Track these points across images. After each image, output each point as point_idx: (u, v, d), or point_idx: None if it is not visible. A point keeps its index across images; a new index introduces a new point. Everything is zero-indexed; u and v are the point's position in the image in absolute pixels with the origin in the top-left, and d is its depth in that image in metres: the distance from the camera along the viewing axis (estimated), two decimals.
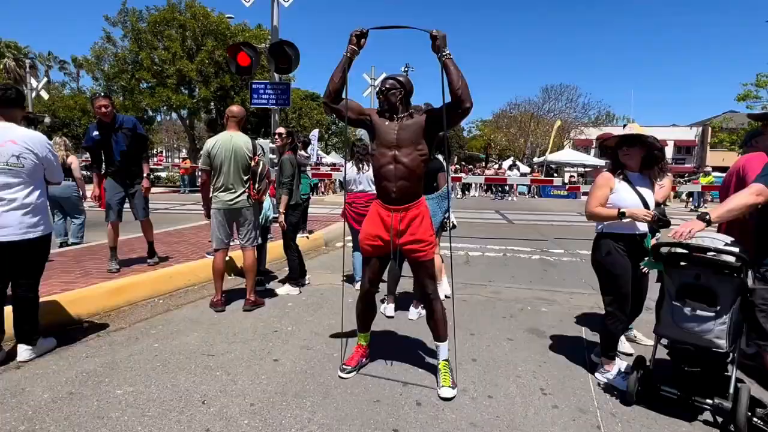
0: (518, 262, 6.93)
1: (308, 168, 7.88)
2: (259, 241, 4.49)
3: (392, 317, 4.21)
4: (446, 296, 4.48)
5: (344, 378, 2.94)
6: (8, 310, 3.14)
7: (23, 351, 3.09)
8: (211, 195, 4.34)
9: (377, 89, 2.84)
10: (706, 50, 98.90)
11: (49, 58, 44.51)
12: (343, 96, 2.79)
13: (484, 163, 42.05)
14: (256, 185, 4.21)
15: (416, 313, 4.23)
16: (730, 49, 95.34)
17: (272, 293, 4.87)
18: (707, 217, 2.17)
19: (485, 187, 25.00)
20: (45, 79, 24.72)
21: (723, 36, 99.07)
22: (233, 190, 4.18)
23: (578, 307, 4.64)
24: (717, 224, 2.68)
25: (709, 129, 37.33)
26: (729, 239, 2.48)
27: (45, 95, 24.51)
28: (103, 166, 5.10)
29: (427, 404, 2.65)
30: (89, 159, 5.50)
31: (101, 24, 26.68)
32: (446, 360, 2.90)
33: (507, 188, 22.05)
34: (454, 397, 2.70)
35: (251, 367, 3.08)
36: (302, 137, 6.01)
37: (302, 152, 7.09)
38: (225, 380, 2.88)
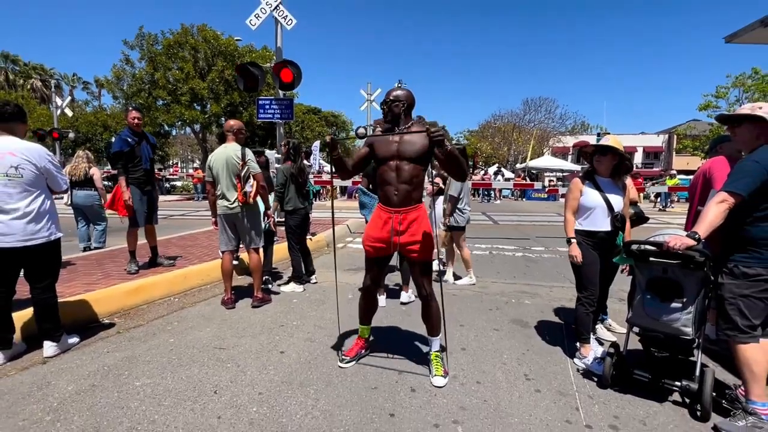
0: (503, 259, 6.92)
1: (311, 176, 7.93)
2: (262, 243, 4.44)
3: (406, 303, 4.44)
4: (471, 284, 5.22)
5: (343, 368, 2.92)
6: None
7: (48, 347, 3.05)
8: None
9: (383, 99, 2.84)
10: (672, 65, 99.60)
11: (73, 79, 44.42)
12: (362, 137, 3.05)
13: (471, 169, 42.05)
14: (242, 188, 4.17)
15: (407, 296, 4.51)
16: (694, 63, 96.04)
17: (278, 291, 4.85)
18: (696, 236, 2.18)
19: (472, 192, 24.98)
20: (69, 98, 24.71)
21: (687, 52, 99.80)
22: (228, 196, 4.17)
23: (558, 299, 4.64)
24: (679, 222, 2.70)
25: (675, 136, 37.56)
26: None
27: (69, 112, 24.40)
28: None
29: (420, 390, 2.64)
30: (110, 170, 5.49)
31: (120, 47, 26.66)
32: (438, 351, 2.89)
33: (492, 192, 22.10)
34: (445, 385, 2.69)
35: (259, 358, 3.06)
36: (304, 148, 5.99)
37: (305, 161, 7.08)
38: (235, 371, 2.85)
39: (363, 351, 3.11)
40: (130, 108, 5.21)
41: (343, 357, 3.01)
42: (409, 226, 2.73)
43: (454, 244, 5.44)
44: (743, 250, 2.25)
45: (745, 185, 2.15)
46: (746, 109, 2.35)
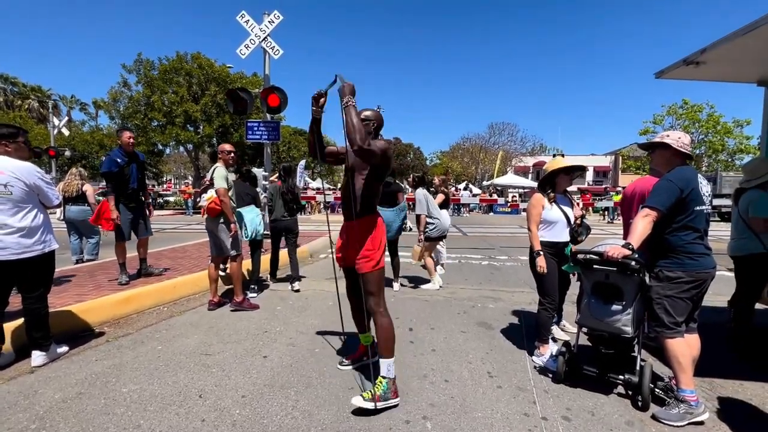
0: (471, 267, 7.00)
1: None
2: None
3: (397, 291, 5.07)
4: (439, 288, 5.34)
5: (340, 369, 2.87)
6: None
7: (37, 357, 2.90)
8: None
9: None
10: (616, 94, 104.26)
11: (72, 101, 42.91)
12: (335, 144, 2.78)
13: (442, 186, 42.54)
14: (199, 199, 4.30)
15: (397, 285, 5.17)
16: (635, 93, 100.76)
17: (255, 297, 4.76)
18: (630, 246, 2.27)
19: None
20: (66, 118, 23.88)
21: (629, 83, 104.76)
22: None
23: (518, 303, 4.71)
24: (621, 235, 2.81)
25: (620, 157, 39.12)
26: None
27: (66, 132, 23.57)
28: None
29: None
30: (105, 186, 5.31)
31: (118, 70, 25.97)
32: (384, 377, 2.41)
33: (461, 206, 22.40)
34: (363, 408, 2.29)
35: (243, 363, 2.98)
36: (292, 165, 6.07)
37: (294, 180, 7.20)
38: (220, 376, 2.77)
39: (365, 358, 2.92)
40: (126, 128, 5.10)
41: (344, 360, 2.94)
42: (354, 239, 2.55)
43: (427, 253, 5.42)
44: (665, 257, 2.37)
45: (663, 201, 2.27)
46: (657, 137, 2.50)
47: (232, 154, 4.36)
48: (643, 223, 2.27)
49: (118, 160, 4.73)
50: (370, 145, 2.32)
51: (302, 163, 22.48)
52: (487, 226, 15.30)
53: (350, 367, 2.91)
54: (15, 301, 3.12)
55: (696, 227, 2.31)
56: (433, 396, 2.54)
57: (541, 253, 3.03)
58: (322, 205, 21.14)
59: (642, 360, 2.57)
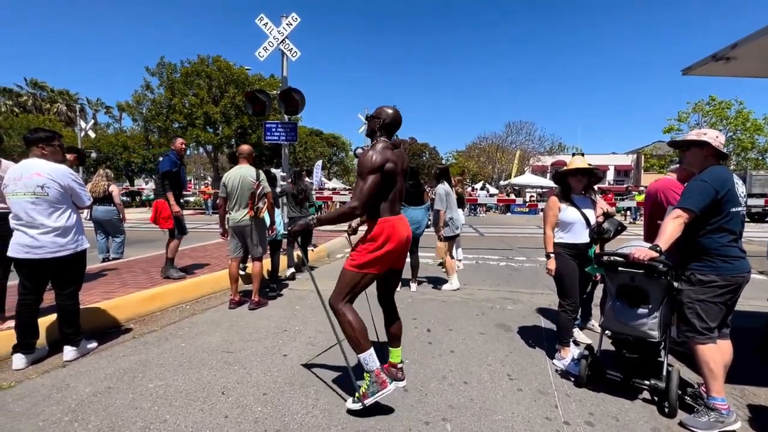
0: (488, 268, 6.93)
1: (313, 192, 8.10)
2: (265, 252, 4.52)
3: (414, 291, 5.17)
4: (456, 289, 5.30)
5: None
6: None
7: (68, 351, 3.02)
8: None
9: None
10: (640, 91, 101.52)
11: (97, 104, 44.40)
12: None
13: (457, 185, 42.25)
14: (255, 204, 4.30)
15: (415, 286, 5.26)
16: (658, 90, 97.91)
17: (281, 295, 4.83)
18: (658, 248, 2.22)
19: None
20: (92, 121, 24.59)
21: (653, 80, 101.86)
22: (239, 211, 4.31)
23: (538, 305, 4.64)
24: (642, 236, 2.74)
25: (642, 156, 38.08)
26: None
27: (92, 134, 24.37)
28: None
29: (413, 390, 2.62)
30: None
31: (142, 74, 26.73)
32: (366, 372, 2.34)
33: (477, 206, 22.19)
34: (353, 410, 2.30)
35: (264, 361, 3.03)
36: (305, 168, 6.53)
37: (307, 179, 7.53)
38: (241, 373, 2.83)
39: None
40: (179, 135, 5.63)
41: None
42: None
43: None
44: (698, 260, 2.29)
45: (696, 202, 2.20)
46: (693, 134, 2.41)
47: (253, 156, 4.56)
48: (674, 224, 2.21)
49: (177, 161, 5.06)
50: (361, 204, 2.28)
51: (319, 163, 22.68)
52: (505, 227, 15.13)
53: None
54: (48, 297, 3.25)
55: (731, 229, 2.23)
56: (452, 397, 2.53)
57: (552, 255, 3.02)
58: (337, 205, 21.32)
59: (668, 365, 2.50)
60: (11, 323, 3.09)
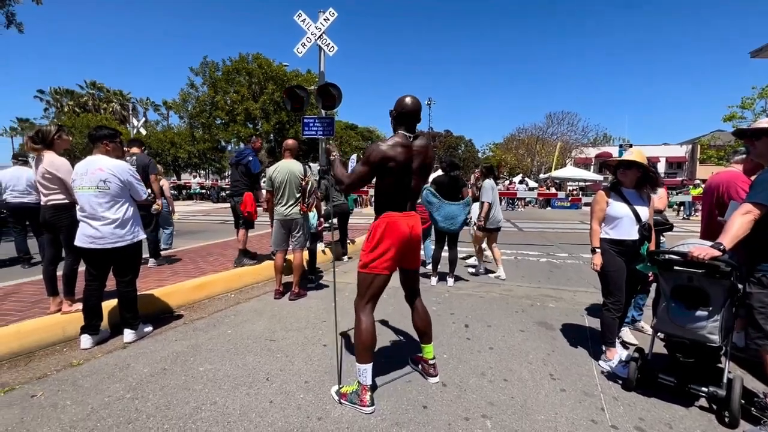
0: (528, 264, 6.74)
1: None
2: (309, 245, 4.67)
3: (451, 286, 5.18)
4: (502, 279, 5.58)
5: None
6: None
7: (128, 334, 3.26)
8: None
9: None
10: (695, 77, 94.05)
11: (147, 102, 47.20)
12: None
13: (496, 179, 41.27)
14: (306, 200, 4.41)
15: (452, 281, 5.24)
16: (717, 75, 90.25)
17: (320, 287, 4.95)
18: (722, 247, 2.07)
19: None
20: (143, 119, 26.19)
21: (710, 65, 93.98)
22: (288, 205, 4.42)
23: (582, 303, 4.47)
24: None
25: (698, 146, 35.37)
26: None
27: (143, 131, 25.96)
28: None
29: (451, 385, 2.61)
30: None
31: (187, 74, 28.08)
32: (358, 382, 2.34)
33: (515, 201, 21.56)
34: (332, 396, 2.42)
35: (305, 350, 3.13)
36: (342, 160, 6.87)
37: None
38: (284, 361, 2.93)
39: (420, 367, 2.80)
40: (256, 135, 6.26)
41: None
42: None
43: (483, 244, 5.99)
44: None
45: None
46: (765, 122, 2.21)
47: None
48: (742, 221, 2.04)
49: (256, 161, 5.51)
50: (346, 184, 2.40)
51: (353, 157, 22.86)
52: (545, 222, 14.61)
53: (409, 365, 2.90)
54: (108, 284, 3.51)
55: None
56: (492, 395, 2.50)
57: (598, 250, 2.89)
58: (372, 199, 21.49)
59: (729, 372, 2.33)
60: (79, 306, 3.38)
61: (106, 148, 3.17)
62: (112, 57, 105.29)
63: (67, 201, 3.35)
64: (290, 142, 4.64)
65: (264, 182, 4.67)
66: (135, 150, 5.39)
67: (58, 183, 3.33)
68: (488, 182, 5.53)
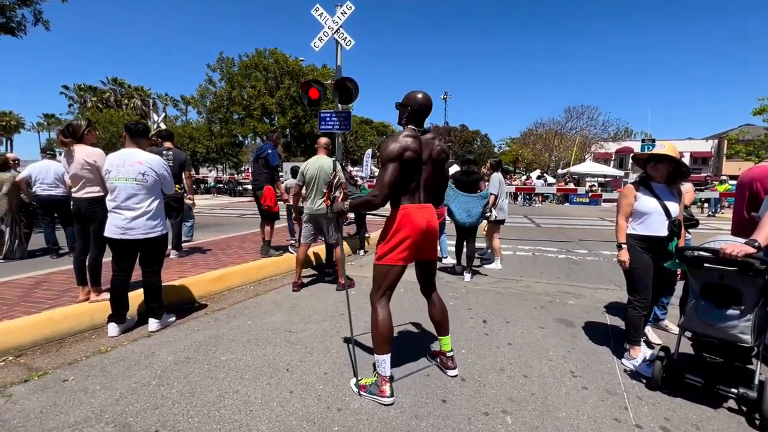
0: (546, 261, 6.64)
1: (362, 180, 8.38)
2: (339, 238, 4.71)
3: (468, 281, 5.18)
4: (498, 269, 5.84)
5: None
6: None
7: (152, 323, 3.35)
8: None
9: None
10: (721, 71, 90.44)
11: (166, 98, 48.12)
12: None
13: (511, 174, 40.76)
14: (332, 194, 4.42)
15: (469, 276, 5.24)
16: (745, 69, 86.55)
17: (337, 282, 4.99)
18: (756, 243, 1.99)
19: (514, 195, 24.17)
20: (163, 114, 26.67)
21: (737, 58, 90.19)
22: (316, 200, 4.51)
23: (602, 301, 4.38)
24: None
25: (725, 141, 34.09)
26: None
27: (163, 126, 26.50)
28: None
29: (470, 380, 2.60)
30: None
31: (204, 70, 28.51)
32: (376, 373, 2.39)
33: (532, 196, 21.21)
34: (351, 388, 2.45)
35: (324, 342, 3.16)
36: (355, 156, 7.05)
37: (352, 169, 8.20)
38: (303, 352, 2.97)
39: (438, 360, 2.83)
40: (275, 131, 6.47)
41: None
42: None
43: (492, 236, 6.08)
44: None
45: None
46: None
47: None
48: None
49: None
50: (380, 195, 2.28)
51: (369, 152, 22.85)
52: (563, 218, 14.35)
53: (426, 359, 2.91)
54: (133, 274, 3.61)
55: None
56: (511, 391, 2.48)
57: (624, 246, 2.80)
58: None
59: (761, 374, 2.25)
60: (106, 295, 3.48)
61: (149, 143, 3.33)
62: (133, 54, 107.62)
63: (102, 194, 3.45)
64: (323, 139, 4.77)
65: (282, 176, 4.77)
66: (168, 144, 5.54)
67: (97, 174, 3.42)
68: (496, 175, 5.81)
